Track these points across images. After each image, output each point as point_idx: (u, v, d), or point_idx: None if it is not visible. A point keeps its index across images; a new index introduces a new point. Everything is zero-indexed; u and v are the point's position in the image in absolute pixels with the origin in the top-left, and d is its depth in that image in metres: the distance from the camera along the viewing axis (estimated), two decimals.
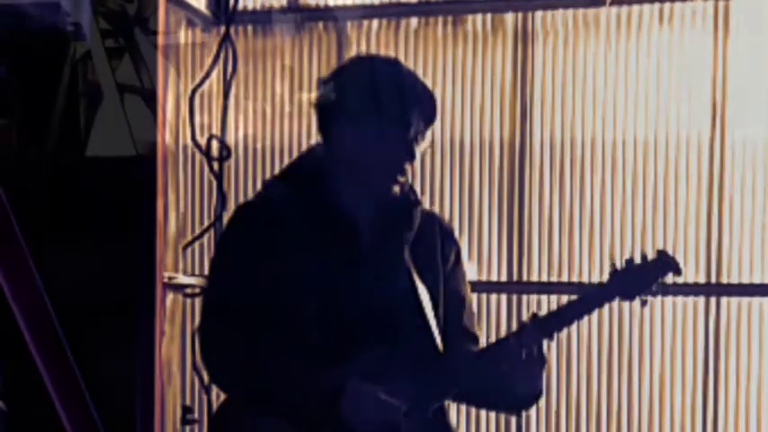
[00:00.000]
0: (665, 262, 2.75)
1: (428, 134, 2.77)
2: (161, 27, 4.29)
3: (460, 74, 4.20)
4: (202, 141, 4.18)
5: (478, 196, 4.18)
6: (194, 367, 4.15)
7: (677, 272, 2.75)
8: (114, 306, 3.98)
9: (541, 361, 2.71)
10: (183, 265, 4.25)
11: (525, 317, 4.05)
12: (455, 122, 4.21)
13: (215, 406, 3.81)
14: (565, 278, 4.10)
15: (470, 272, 4.09)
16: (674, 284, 3.91)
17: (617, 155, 4.08)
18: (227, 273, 2.77)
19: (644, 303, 2.74)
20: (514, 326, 4.09)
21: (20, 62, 4.86)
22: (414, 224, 2.78)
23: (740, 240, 3.96)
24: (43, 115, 4.98)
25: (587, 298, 2.77)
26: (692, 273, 3.97)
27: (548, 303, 4.08)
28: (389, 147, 2.70)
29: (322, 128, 2.79)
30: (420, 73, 4.14)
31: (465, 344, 2.83)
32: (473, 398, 2.95)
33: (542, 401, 2.81)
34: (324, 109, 2.78)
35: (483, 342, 3.99)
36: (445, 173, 4.20)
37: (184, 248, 4.24)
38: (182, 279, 4.14)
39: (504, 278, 4.14)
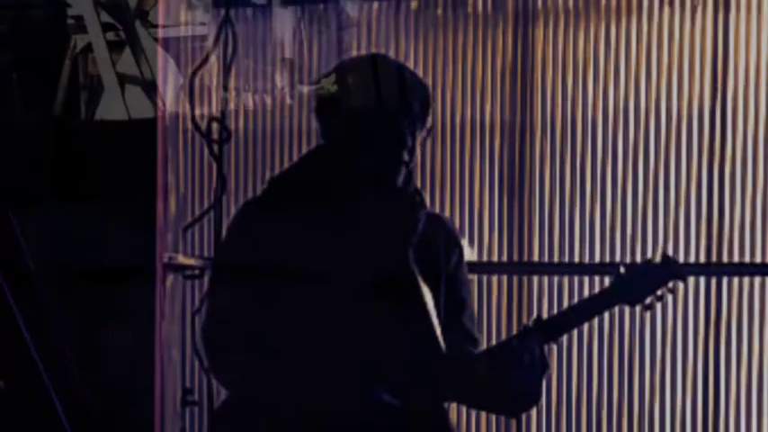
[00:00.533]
0: (670, 268, 2.76)
1: (427, 123, 2.76)
2: (161, 15, 4.29)
3: (461, 54, 4.20)
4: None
5: (479, 177, 4.17)
6: (194, 349, 4.13)
7: (682, 279, 2.74)
8: (115, 285, 3.98)
9: (543, 365, 2.70)
10: (182, 247, 4.25)
11: (525, 296, 4.11)
12: (456, 103, 4.21)
13: (215, 389, 3.81)
14: (565, 258, 4.08)
15: (468, 253, 4.11)
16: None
17: (618, 133, 4.08)
18: (230, 271, 2.77)
19: (647, 308, 2.74)
20: (514, 306, 4.12)
21: (21, 56, 4.87)
22: (418, 226, 2.78)
23: (741, 219, 3.95)
24: (45, 108, 4.99)
25: (591, 303, 2.79)
26: (693, 252, 3.96)
27: (548, 284, 4.08)
28: (388, 141, 2.71)
29: (321, 130, 2.81)
30: (420, 54, 4.22)
31: (465, 346, 2.81)
32: (472, 399, 2.95)
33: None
34: (319, 112, 2.80)
35: (483, 336, 4.09)
36: (446, 153, 4.19)
37: (184, 230, 4.23)
38: (182, 260, 4.14)
39: (504, 259, 4.13)
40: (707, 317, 3.97)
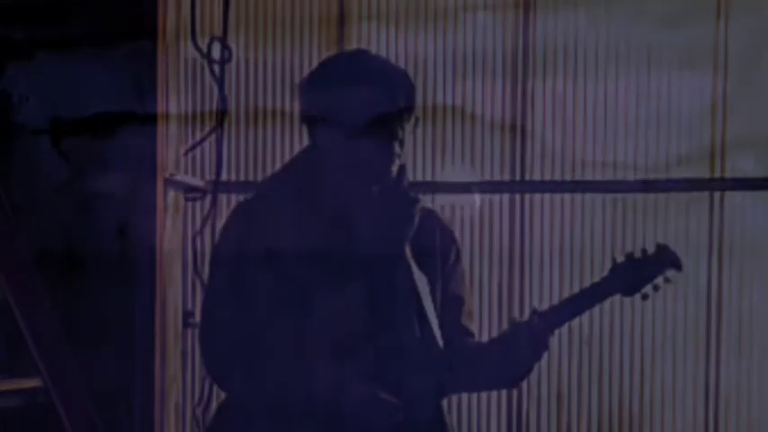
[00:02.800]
0: (666, 257, 2.77)
1: (413, 112, 2.75)
2: None
3: None
4: None
5: (480, 98, 4.16)
6: (195, 271, 4.12)
7: (678, 268, 2.76)
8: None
9: (543, 348, 2.71)
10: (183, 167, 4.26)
11: (527, 219, 4.10)
12: (457, 31, 4.19)
13: None
14: (567, 177, 4.08)
15: (469, 175, 4.12)
16: (677, 180, 3.96)
17: (620, 56, 4.05)
18: (225, 273, 2.76)
19: (645, 298, 2.76)
20: (516, 226, 4.11)
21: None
22: (413, 221, 2.78)
23: (743, 134, 3.94)
24: None
25: (588, 294, 2.78)
26: (694, 167, 3.95)
27: (550, 202, 4.07)
28: (378, 138, 2.70)
29: (310, 132, 2.80)
30: None
31: (463, 342, 2.83)
32: (467, 387, 3.03)
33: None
34: (305, 117, 2.79)
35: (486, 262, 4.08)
36: (447, 79, 4.18)
37: (185, 154, 4.22)
38: (182, 178, 4.13)
39: (506, 177, 4.13)
40: (710, 232, 3.95)
